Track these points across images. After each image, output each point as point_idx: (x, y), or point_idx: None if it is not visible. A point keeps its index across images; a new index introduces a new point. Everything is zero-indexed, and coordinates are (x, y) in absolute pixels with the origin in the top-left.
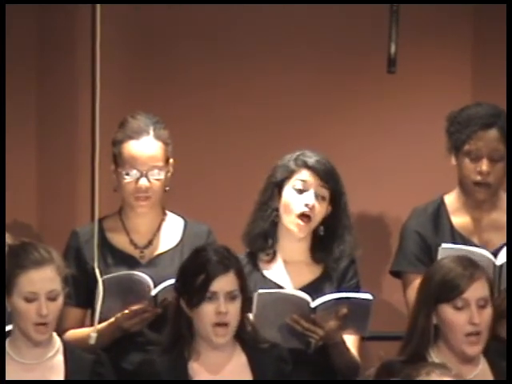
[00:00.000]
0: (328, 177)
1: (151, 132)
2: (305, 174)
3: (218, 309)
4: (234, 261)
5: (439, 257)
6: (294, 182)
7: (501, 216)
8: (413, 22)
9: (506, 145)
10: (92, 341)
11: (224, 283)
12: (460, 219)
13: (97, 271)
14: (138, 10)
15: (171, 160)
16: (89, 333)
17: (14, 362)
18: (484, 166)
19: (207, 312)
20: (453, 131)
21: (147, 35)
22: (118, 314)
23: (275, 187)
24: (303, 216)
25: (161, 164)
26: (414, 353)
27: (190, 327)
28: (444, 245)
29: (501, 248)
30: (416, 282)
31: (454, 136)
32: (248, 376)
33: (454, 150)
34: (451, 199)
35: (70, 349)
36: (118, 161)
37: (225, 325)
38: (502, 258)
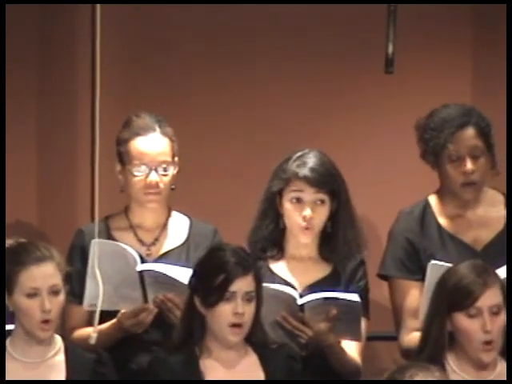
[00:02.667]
0: (323, 182)
1: (157, 129)
2: (299, 185)
3: (235, 309)
4: (252, 262)
5: (428, 272)
6: (290, 194)
7: (486, 211)
8: (411, 22)
9: (483, 139)
10: (92, 341)
11: (242, 284)
12: (447, 219)
13: (97, 271)
14: (138, 10)
15: (176, 158)
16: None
17: (15, 361)
18: (467, 165)
19: (224, 312)
20: (428, 138)
21: (147, 35)
22: (119, 314)
23: (273, 197)
24: (303, 228)
25: (169, 159)
26: (430, 359)
27: (202, 325)
28: (433, 261)
29: (489, 244)
30: (402, 287)
31: (431, 142)
32: (260, 373)
33: (432, 156)
34: (436, 200)
35: (71, 348)
36: (125, 159)
37: (240, 325)
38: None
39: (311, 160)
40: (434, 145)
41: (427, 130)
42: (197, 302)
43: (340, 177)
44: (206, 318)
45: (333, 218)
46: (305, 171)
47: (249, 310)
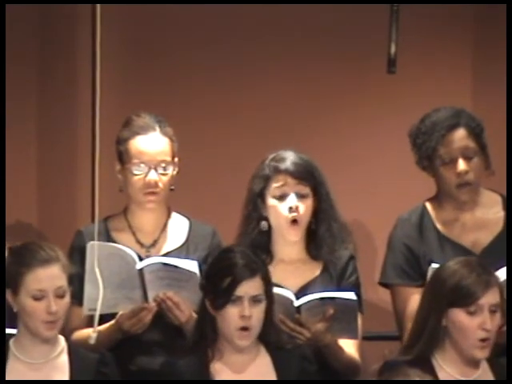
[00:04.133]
0: (303, 174)
1: (157, 128)
2: (280, 179)
3: (241, 312)
4: (260, 265)
5: (429, 276)
6: (273, 191)
7: (484, 213)
8: (413, 22)
9: (474, 140)
10: (92, 341)
11: (249, 287)
12: (445, 223)
13: (97, 271)
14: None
15: (176, 158)
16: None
17: (20, 362)
18: (460, 166)
19: (231, 315)
20: (420, 142)
21: (147, 35)
22: (118, 315)
23: (257, 198)
24: (291, 222)
25: (168, 159)
26: (421, 354)
27: (214, 327)
28: (434, 265)
29: (488, 247)
30: (404, 294)
31: (424, 146)
32: (272, 376)
33: (426, 160)
34: (433, 204)
35: (74, 348)
36: (125, 158)
37: (248, 329)
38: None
39: (289, 156)
40: (425, 148)
41: (419, 134)
42: (207, 303)
43: (319, 172)
44: (217, 321)
45: (316, 214)
46: (286, 164)
47: (256, 313)
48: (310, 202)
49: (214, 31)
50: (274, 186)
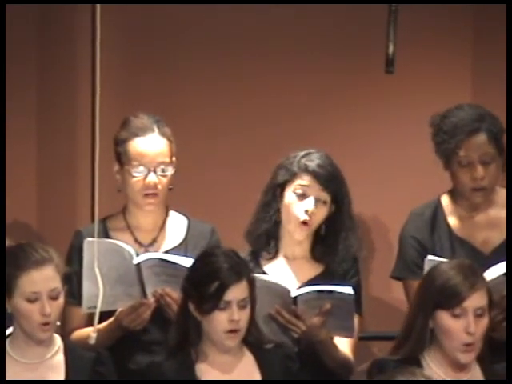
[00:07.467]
0: (329, 181)
1: (156, 129)
2: (305, 179)
3: (230, 317)
4: (245, 267)
5: (426, 268)
6: (295, 187)
7: (498, 212)
8: (411, 21)
9: (494, 145)
10: (92, 341)
11: (237, 292)
12: (457, 220)
13: (96, 271)
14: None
15: (174, 158)
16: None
17: (15, 362)
18: (478, 172)
19: (220, 320)
20: (440, 141)
21: (147, 34)
22: (117, 312)
23: (277, 188)
24: (302, 223)
25: (167, 160)
26: (409, 354)
27: (198, 329)
28: (430, 257)
29: (499, 247)
30: (413, 288)
31: (443, 146)
32: (257, 375)
33: (444, 158)
34: (447, 200)
35: (70, 348)
36: (124, 159)
37: (236, 331)
38: (495, 271)
39: (320, 159)
40: (444, 149)
41: (439, 132)
42: (191, 307)
43: (344, 181)
44: (202, 323)
45: (329, 221)
46: (314, 166)
47: (244, 316)
48: (326, 209)
49: (216, 29)
50: (298, 183)
